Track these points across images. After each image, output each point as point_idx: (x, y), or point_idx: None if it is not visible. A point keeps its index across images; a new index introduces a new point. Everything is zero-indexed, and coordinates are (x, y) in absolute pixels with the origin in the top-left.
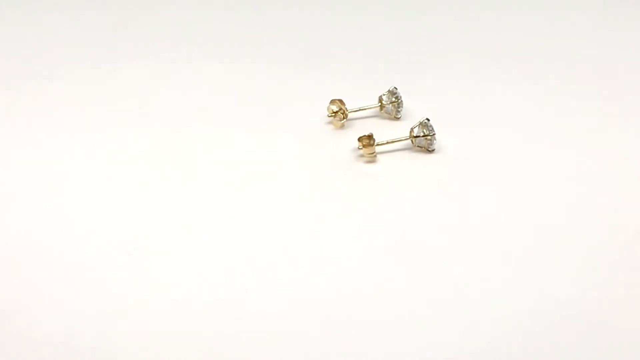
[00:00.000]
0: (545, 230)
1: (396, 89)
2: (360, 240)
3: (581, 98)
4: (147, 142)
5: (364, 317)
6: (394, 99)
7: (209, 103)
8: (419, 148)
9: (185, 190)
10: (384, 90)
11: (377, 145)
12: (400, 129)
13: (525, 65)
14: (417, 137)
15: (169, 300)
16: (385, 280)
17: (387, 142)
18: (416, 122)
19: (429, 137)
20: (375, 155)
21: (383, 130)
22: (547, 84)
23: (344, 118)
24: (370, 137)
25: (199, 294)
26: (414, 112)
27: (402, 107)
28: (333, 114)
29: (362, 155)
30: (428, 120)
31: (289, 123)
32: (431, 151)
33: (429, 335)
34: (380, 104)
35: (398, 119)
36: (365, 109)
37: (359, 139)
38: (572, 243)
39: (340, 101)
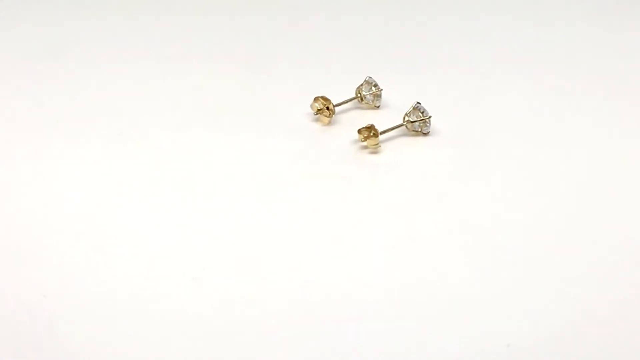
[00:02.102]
0: (549, 211)
1: (371, 77)
2: (391, 230)
3: (572, 77)
4: (152, 158)
5: (386, 313)
6: (374, 89)
7: (189, 114)
8: (414, 132)
9: (204, 202)
10: (357, 83)
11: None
12: (383, 117)
13: (500, 50)
14: (413, 121)
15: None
16: (414, 273)
17: (386, 131)
18: (409, 108)
19: (425, 120)
20: (379, 146)
21: (367, 120)
22: (528, 65)
23: (331, 114)
24: (370, 128)
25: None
26: (388, 100)
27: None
28: (319, 112)
29: (365, 147)
30: (419, 103)
31: (280, 124)
32: (426, 134)
33: (436, 328)
34: (359, 95)
35: (377, 107)
36: (347, 102)
37: (359, 131)
38: (575, 228)
39: (324, 98)
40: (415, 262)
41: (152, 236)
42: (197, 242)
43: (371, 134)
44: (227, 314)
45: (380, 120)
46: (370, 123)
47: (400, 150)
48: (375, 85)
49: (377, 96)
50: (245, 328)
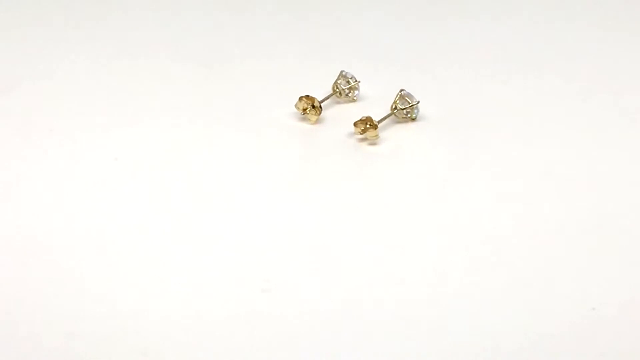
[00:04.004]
0: (550, 198)
1: (344, 71)
2: (404, 219)
3: (552, 60)
4: (150, 164)
5: (391, 308)
6: (352, 82)
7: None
8: (403, 118)
9: (209, 205)
10: (327, 78)
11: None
12: (364, 108)
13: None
14: (404, 108)
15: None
16: (418, 268)
17: (380, 121)
18: (396, 96)
19: (415, 106)
20: (378, 137)
21: (350, 113)
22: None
23: (317, 112)
24: (366, 120)
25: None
26: (365, 92)
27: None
28: (305, 111)
29: (363, 139)
30: (404, 90)
31: (271, 127)
32: (414, 119)
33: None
34: (338, 90)
35: (355, 100)
36: (327, 98)
37: (356, 124)
38: (570, 209)
39: (308, 97)
40: (425, 256)
41: (162, 245)
42: (202, 246)
43: (368, 126)
44: (229, 315)
45: (364, 111)
46: (366, 115)
47: (398, 138)
48: (352, 78)
49: (355, 89)
50: (247, 329)
